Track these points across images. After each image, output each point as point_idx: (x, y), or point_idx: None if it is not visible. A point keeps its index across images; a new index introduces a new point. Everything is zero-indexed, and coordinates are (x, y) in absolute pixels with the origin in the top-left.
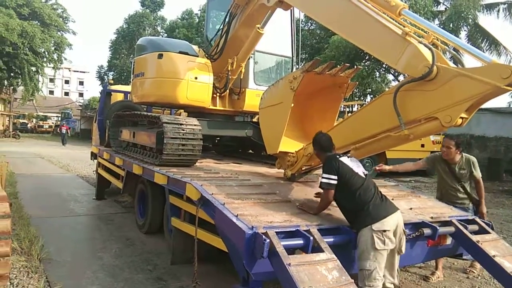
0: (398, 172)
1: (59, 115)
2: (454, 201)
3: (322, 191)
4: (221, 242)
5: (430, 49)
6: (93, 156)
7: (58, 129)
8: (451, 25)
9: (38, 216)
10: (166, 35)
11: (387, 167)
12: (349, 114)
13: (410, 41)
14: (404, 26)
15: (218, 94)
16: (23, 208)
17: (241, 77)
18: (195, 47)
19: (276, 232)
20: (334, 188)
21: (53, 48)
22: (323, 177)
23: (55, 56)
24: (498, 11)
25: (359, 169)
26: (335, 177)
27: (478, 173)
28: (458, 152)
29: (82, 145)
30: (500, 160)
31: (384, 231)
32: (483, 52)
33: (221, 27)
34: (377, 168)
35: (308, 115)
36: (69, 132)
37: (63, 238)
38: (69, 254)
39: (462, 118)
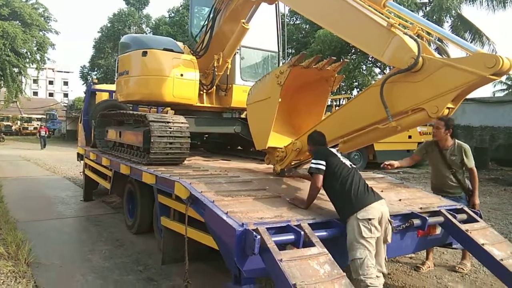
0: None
1: (44, 116)
2: (446, 191)
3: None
4: (211, 240)
5: (415, 40)
6: (80, 157)
7: (37, 131)
8: (434, 17)
9: (25, 219)
10: (151, 33)
11: (395, 163)
12: (337, 108)
13: (395, 32)
14: (389, 18)
15: (204, 91)
16: (9, 212)
17: (228, 73)
18: (180, 44)
19: (266, 228)
20: (323, 173)
21: (35, 49)
22: (312, 163)
23: (37, 57)
24: (481, 2)
25: (346, 161)
26: (323, 163)
27: (470, 162)
28: (449, 134)
29: (68, 146)
30: (486, 149)
31: (369, 219)
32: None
33: (206, 23)
34: (387, 164)
35: (295, 109)
36: (47, 133)
37: (51, 241)
38: (57, 257)
39: (448, 108)
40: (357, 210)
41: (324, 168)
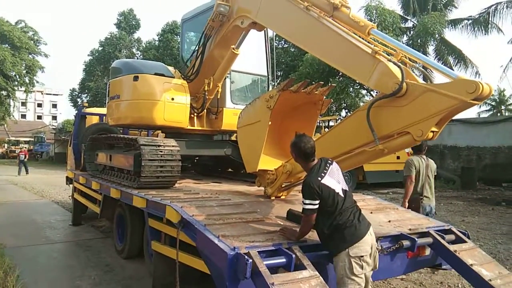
0: (375, 184)
1: (32, 139)
2: None
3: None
4: (203, 265)
5: (399, 66)
6: (69, 180)
7: (17, 155)
8: (419, 41)
9: (13, 245)
10: (142, 56)
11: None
12: (326, 129)
13: (380, 59)
14: (373, 45)
15: (195, 114)
16: None
17: (218, 97)
18: (171, 68)
19: (258, 251)
20: (316, 212)
21: (24, 72)
22: (305, 203)
23: (26, 80)
24: (462, 27)
25: (340, 186)
26: (317, 202)
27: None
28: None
29: (57, 169)
30: (473, 168)
31: (362, 256)
32: (451, 65)
33: (197, 48)
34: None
35: (285, 132)
36: (27, 157)
37: (40, 267)
38: (46, 284)
39: (433, 131)
40: (349, 246)
41: (317, 207)
